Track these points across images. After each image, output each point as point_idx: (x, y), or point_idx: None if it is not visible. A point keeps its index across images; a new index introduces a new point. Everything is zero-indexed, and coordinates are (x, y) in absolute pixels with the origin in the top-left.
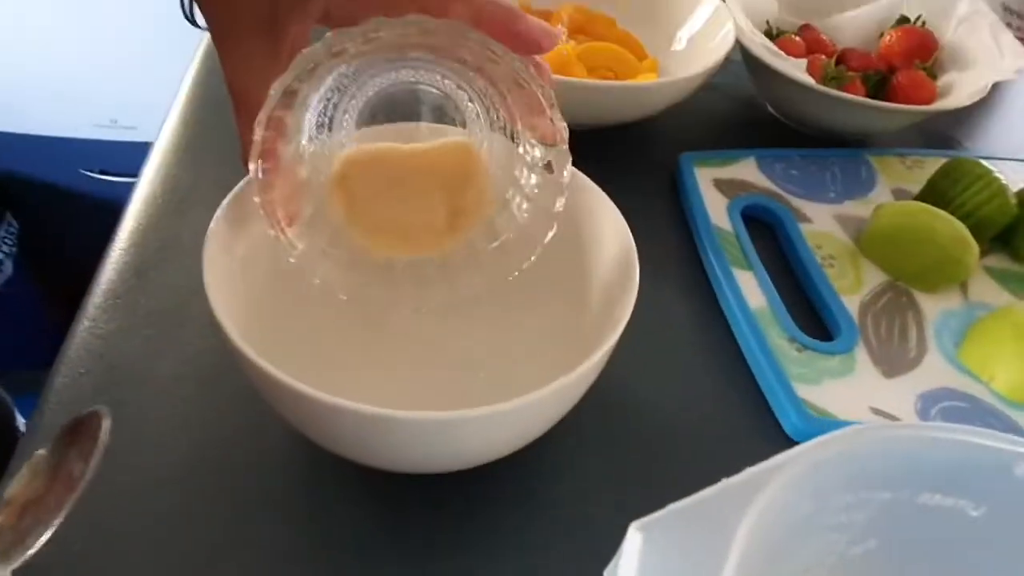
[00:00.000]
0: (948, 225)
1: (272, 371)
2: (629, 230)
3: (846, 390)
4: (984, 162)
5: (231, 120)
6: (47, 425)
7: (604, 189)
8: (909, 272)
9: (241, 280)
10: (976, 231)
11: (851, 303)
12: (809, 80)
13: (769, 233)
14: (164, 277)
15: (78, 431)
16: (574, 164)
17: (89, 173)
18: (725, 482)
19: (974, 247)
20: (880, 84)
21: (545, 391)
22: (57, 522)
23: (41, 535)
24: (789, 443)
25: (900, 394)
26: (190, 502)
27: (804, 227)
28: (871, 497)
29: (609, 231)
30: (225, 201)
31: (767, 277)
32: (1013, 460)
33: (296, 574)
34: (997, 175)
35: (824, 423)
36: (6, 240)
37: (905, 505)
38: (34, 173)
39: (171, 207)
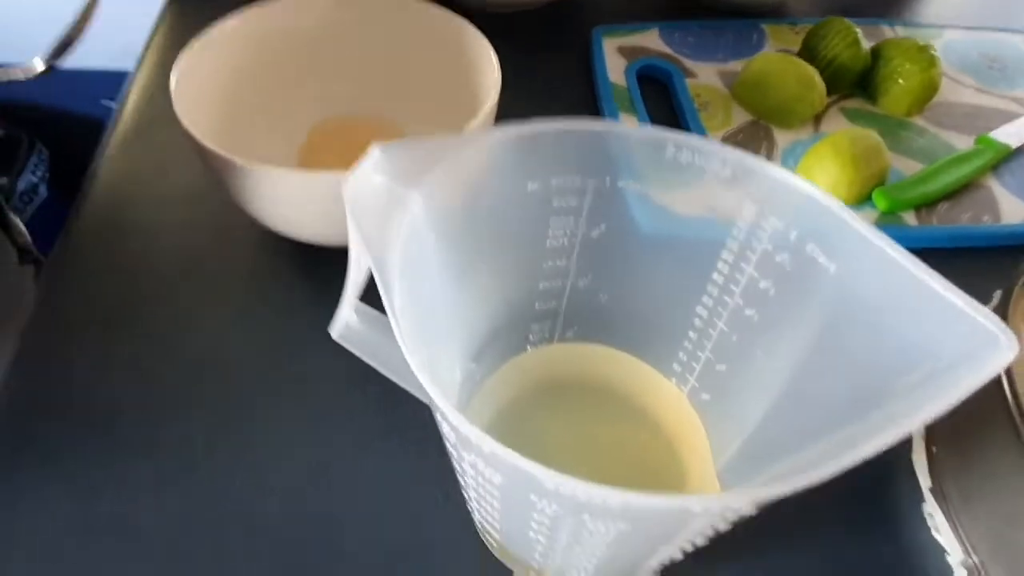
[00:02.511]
0: (799, 68)
1: (209, 145)
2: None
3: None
4: (850, 20)
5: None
6: (73, 240)
7: (526, 62)
8: (766, 109)
9: (206, 100)
10: (836, 77)
11: (716, 137)
12: None
13: (663, 90)
14: (157, 140)
15: None
16: (498, 41)
17: (109, 103)
18: (448, 136)
19: (819, 86)
20: None
21: None
22: None
23: None
24: None
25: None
26: (177, 279)
27: (689, 81)
28: (583, 184)
29: (478, 55)
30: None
31: (647, 118)
32: (662, 144)
33: (252, 320)
34: (855, 30)
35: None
36: (39, 167)
37: (609, 190)
38: (58, 104)
39: (159, 92)
